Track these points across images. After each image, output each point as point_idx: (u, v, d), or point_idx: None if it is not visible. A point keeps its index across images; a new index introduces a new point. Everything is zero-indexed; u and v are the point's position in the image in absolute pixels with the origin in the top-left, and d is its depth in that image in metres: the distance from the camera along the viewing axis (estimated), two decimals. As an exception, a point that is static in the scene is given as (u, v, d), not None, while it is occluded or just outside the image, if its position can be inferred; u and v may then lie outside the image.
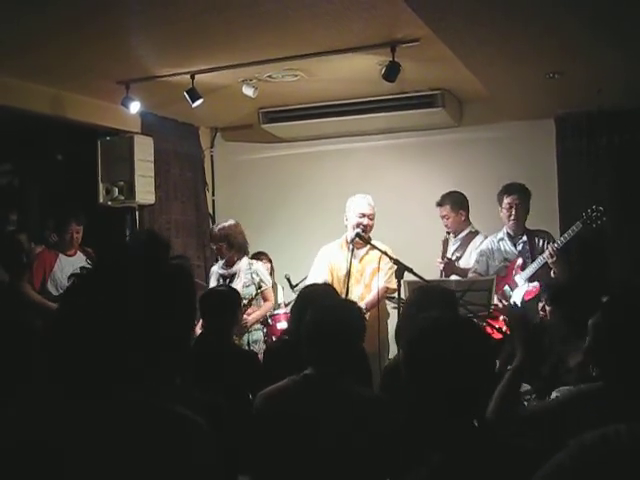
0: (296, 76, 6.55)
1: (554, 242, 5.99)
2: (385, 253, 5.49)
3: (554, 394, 3.86)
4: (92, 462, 1.52)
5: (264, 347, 6.10)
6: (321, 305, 3.43)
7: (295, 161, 8.47)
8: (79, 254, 6.66)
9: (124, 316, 1.59)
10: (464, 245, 6.57)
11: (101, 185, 7.50)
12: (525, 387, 3.75)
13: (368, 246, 5.88)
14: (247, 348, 5.91)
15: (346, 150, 8.24)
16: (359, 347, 3.46)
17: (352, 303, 3.67)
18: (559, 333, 4.39)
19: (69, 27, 5.05)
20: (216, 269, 6.43)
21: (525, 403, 3.81)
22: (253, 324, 6.10)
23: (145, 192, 7.54)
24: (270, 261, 7.68)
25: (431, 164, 7.93)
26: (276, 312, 6.62)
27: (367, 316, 5.51)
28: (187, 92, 6.37)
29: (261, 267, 6.43)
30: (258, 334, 6.21)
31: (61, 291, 6.05)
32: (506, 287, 6.03)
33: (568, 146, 7.30)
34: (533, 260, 6.01)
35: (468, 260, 6.45)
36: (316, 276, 5.99)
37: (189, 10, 4.80)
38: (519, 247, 6.18)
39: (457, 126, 7.85)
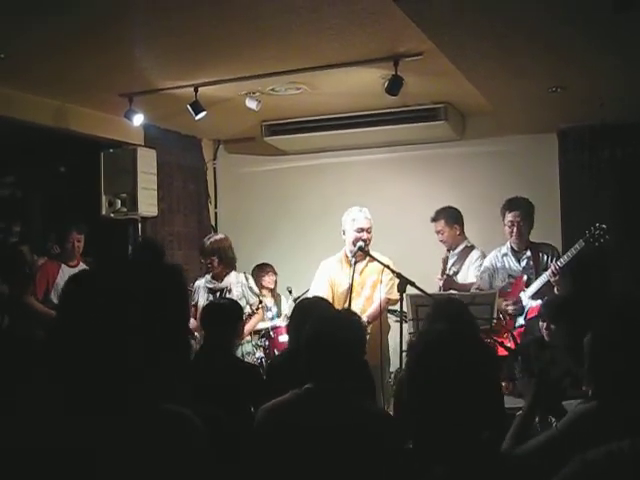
0: (299, 89, 6.57)
1: (558, 257, 5.98)
2: (388, 267, 5.49)
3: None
4: (96, 464, 1.52)
5: (256, 359, 6.12)
6: (319, 317, 3.42)
7: (298, 174, 8.48)
8: (81, 265, 6.68)
9: (123, 317, 1.59)
10: (461, 260, 6.56)
11: (104, 197, 7.51)
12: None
13: (367, 258, 5.87)
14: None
15: (348, 163, 8.25)
16: (360, 359, 3.44)
17: (351, 314, 3.65)
18: (561, 348, 4.40)
19: (72, 40, 5.07)
20: (202, 284, 6.36)
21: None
22: (245, 336, 6.10)
23: (148, 204, 7.55)
24: (275, 273, 7.68)
25: (434, 177, 7.94)
26: (278, 325, 6.61)
27: (369, 329, 5.52)
28: (190, 105, 6.39)
29: (250, 279, 6.43)
30: (249, 346, 6.21)
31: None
32: (509, 307, 6.00)
33: (570, 160, 7.31)
34: (537, 276, 6.00)
35: (466, 275, 6.45)
36: (317, 291, 5.98)
37: (193, 23, 4.81)
38: (523, 263, 6.15)
39: (460, 139, 7.87)
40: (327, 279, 6.07)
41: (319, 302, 4.70)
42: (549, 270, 5.83)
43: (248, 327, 6.14)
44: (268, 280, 7.52)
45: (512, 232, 6.13)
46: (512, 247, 6.22)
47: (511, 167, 7.49)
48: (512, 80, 5.68)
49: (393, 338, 5.77)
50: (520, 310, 5.96)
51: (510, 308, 5.95)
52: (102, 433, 1.57)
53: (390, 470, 2.83)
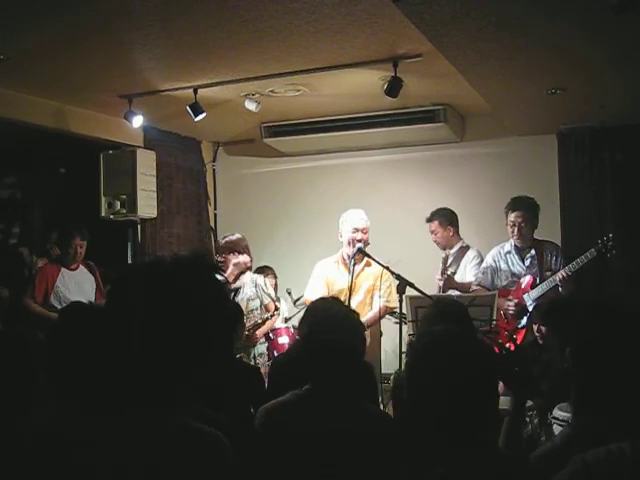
0: (298, 91, 6.57)
1: (562, 257, 5.97)
2: (387, 268, 5.49)
3: (555, 410, 3.86)
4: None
5: (267, 360, 6.11)
6: (319, 318, 3.42)
7: (297, 175, 8.48)
8: (81, 268, 6.68)
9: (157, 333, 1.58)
10: (457, 260, 6.58)
11: (103, 199, 7.51)
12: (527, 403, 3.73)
13: (364, 262, 5.88)
14: (253, 362, 5.91)
15: (348, 164, 8.25)
16: (360, 359, 3.44)
17: (352, 314, 3.64)
18: (556, 351, 4.39)
19: (72, 41, 5.07)
20: None
21: (527, 419, 3.81)
22: (261, 337, 6.11)
23: (147, 206, 7.55)
24: (275, 276, 7.68)
25: (433, 179, 7.94)
26: (277, 326, 6.61)
27: (367, 334, 5.50)
28: (190, 106, 6.39)
29: (264, 280, 6.40)
30: (262, 347, 6.20)
31: (64, 304, 6.06)
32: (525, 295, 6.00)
33: (570, 161, 7.31)
34: (541, 275, 5.99)
35: (463, 274, 6.46)
36: (313, 292, 5.98)
37: (192, 25, 4.82)
38: (527, 262, 6.15)
39: (459, 141, 7.87)
40: (324, 280, 6.08)
41: (332, 302, 4.68)
42: (558, 276, 5.80)
43: (262, 330, 6.14)
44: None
45: (513, 232, 6.14)
46: (516, 245, 6.21)
47: (511, 169, 7.49)
48: (512, 82, 5.68)
49: (392, 339, 5.77)
50: (521, 312, 5.95)
51: (511, 309, 5.94)
52: (131, 450, 1.55)
53: (389, 471, 2.83)
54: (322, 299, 4.96)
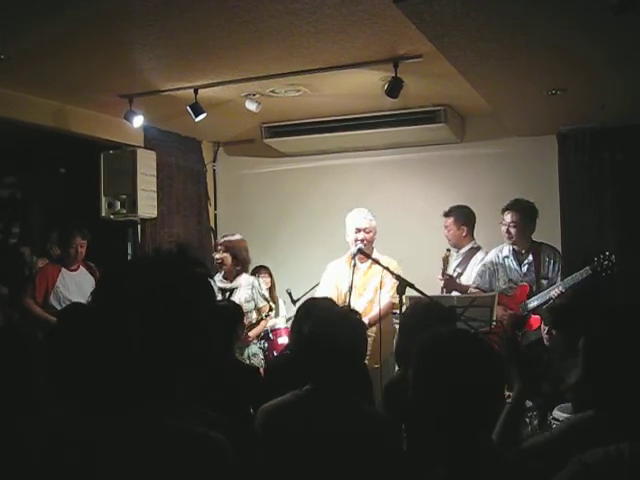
0: (299, 91, 6.57)
1: (560, 262, 5.95)
2: (387, 269, 5.48)
3: (555, 411, 3.86)
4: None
5: (262, 360, 6.10)
6: (320, 318, 3.41)
7: (297, 176, 8.49)
8: (82, 269, 6.68)
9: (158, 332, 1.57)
10: (466, 261, 6.57)
11: (103, 199, 7.51)
12: (527, 404, 3.73)
13: (370, 260, 5.88)
14: (248, 362, 5.90)
15: (348, 165, 8.25)
16: (361, 361, 3.44)
17: (353, 314, 3.64)
18: (558, 350, 4.40)
19: (72, 41, 5.07)
20: (216, 281, 6.39)
21: (527, 420, 3.81)
22: (254, 338, 6.11)
23: (147, 206, 7.55)
24: (270, 275, 7.67)
25: (433, 179, 7.94)
26: (277, 327, 6.61)
27: (372, 332, 5.50)
28: (190, 106, 6.39)
29: (261, 283, 6.41)
30: (255, 347, 6.19)
31: (64, 305, 6.06)
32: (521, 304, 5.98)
33: (570, 162, 7.30)
34: (537, 281, 5.96)
35: (469, 276, 6.44)
36: (323, 292, 6.00)
37: (193, 25, 4.81)
38: (524, 268, 6.11)
39: (459, 142, 7.87)
40: (332, 281, 6.09)
41: (323, 302, 4.69)
42: (553, 291, 5.77)
43: (255, 332, 6.13)
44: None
45: (507, 234, 6.10)
46: (514, 249, 6.19)
47: (511, 169, 7.49)
48: (512, 82, 5.68)
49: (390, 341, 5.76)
50: (518, 320, 5.92)
51: (505, 321, 5.89)
52: (130, 451, 1.54)
53: (389, 471, 2.83)
54: (313, 299, 4.98)
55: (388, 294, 5.79)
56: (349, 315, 3.38)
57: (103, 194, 7.52)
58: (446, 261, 6.35)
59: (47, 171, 8.48)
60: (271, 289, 7.57)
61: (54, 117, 6.73)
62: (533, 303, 5.90)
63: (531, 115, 6.83)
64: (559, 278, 5.93)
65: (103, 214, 7.52)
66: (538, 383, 3.33)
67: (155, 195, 7.68)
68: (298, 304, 6.77)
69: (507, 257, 6.20)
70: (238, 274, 6.27)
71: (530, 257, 6.10)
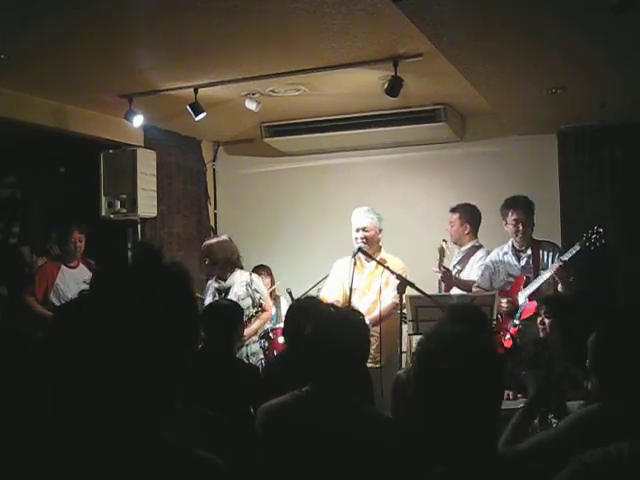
0: (299, 90, 6.56)
1: (560, 255, 5.97)
2: (387, 267, 5.48)
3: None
4: None
5: (262, 359, 6.09)
6: (321, 318, 3.41)
7: (297, 175, 8.48)
8: (81, 266, 6.68)
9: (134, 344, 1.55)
10: (466, 258, 6.58)
11: (103, 198, 7.51)
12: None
13: (378, 260, 5.85)
14: (246, 361, 5.89)
15: (348, 164, 8.25)
16: (362, 361, 3.43)
17: (355, 314, 3.63)
18: (559, 346, 4.39)
19: (72, 41, 5.07)
20: (211, 283, 6.38)
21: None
22: (251, 336, 6.07)
23: (147, 205, 7.55)
24: (270, 275, 7.66)
25: (433, 178, 7.94)
26: (277, 326, 6.60)
27: (376, 331, 5.48)
28: (190, 106, 6.39)
29: (255, 278, 6.38)
30: (256, 346, 6.18)
31: (63, 302, 6.06)
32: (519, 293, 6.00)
33: (570, 160, 7.31)
34: (535, 275, 5.98)
35: (469, 273, 6.45)
36: (329, 291, 6.00)
37: (192, 24, 4.82)
38: (523, 262, 6.13)
39: (459, 141, 7.87)
40: (339, 278, 6.07)
41: (314, 302, 4.69)
42: (553, 266, 5.80)
43: (251, 329, 6.09)
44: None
45: (517, 231, 6.08)
46: (514, 246, 6.19)
47: (511, 168, 7.49)
48: (512, 81, 5.68)
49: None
50: (513, 309, 5.93)
51: (504, 305, 5.91)
52: (125, 476, 1.53)
53: (389, 472, 2.83)
54: (309, 298, 4.98)
55: (391, 294, 5.75)
56: (350, 315, 3.38)
57: (103, 194, 7.52)
58: (442, 252, 6.30)
59: (47, 171, 8.47)
60: (271, 288, 7.56)
61: (54, 117, 6.73)
62: (530, 288, 5.92)
63: (531, 114, 6.84)
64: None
65: (103, 214, 7.52)
66: (554, 391, 3.32)
67: (155, 194, 7.68)
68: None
69: (506, 253, 6.22)
70: (231, 272, 6.25)
71: (529, 251, 6.13)
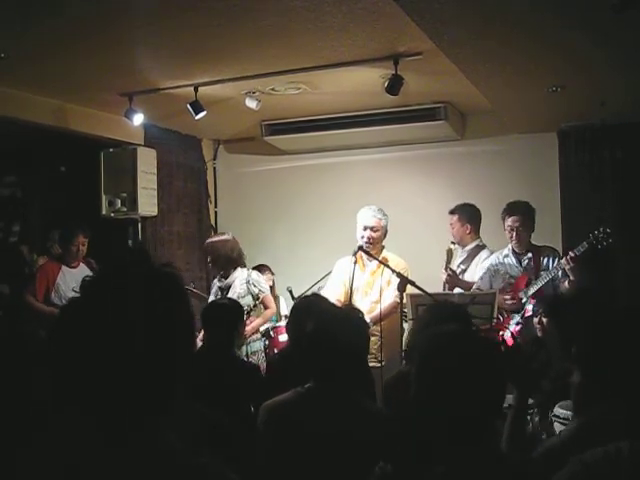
0: (299, 89, 6.56)
1: (560, 259, 5.98)
2: (387, 266, 5.48)
3: (556, 408, 3.85)
4: None
5: (263, 358, 6.09)
6: (322, 316, 3.41)
7: (298, 173, 8.48)
8: (82, 266, 6.68)
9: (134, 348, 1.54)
10: (470, 258, 6.58)
11: (104, 197, 7.51)
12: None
13: (380, 258, 5.85)
14: (246, 359, 5.89)
15: (348, 162, 8.25)
16: (363, 358, 3.44)
17: (354, 312, 3.63)
18: (557, 346, 4.38)
19: (72, 39, 5.07)
20: (216, 282, 6.40)
21: (527, 418, 3.80)
22: (252, 334, 6.07)
23: (148, 204, 7.55)
24: (272, 273, 7.66)
25: (434, 177, 7.93)
26: (278, 324, 6.60)
27: (377, 330, 5.49)
28: (190, 104, 6.39)
29: (256, 276, 6.37)
30: (257, 345, 6.17)
31: (64, 302, 6.06)
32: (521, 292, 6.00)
33: (571, 159, 7.30)
34: (537, 276, 5.99)
35: (473, 273, 6.44)
36: (331, 289, 6.00)
37: (193, 23, 4.81)
38: (524, 263, 6.15)
39: (460, 139, 7.87)
40: (340, 277, 6.07)
41: (318, 300, 4.69)
42: (563, 259, 5.81)
43: (252, 326, 6.07)
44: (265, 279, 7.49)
45: (512, 237, 6.12)
46: (513, 249, 6.21)
47: (511, 166, 7.48)
48: (512, 79, 5.67)
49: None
50: (518, 306, 5.94)
51: (508, 302, 5.92)
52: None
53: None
54: (306, 298, 4.98)
55: (392, 293, 5.75)
56: (351, 313, 3.38)
57: (103, 192, 7.52)
58: (450, 254, 6.35)
59: (47, 170, 8.48)
60: (272, 288, 7.56)
61: (54, 116, 6.73)
62: (533, 287, 5.94)
63: (531, 112, 6.83)
64: (560, 272, 5.95)
65: (103, 212, 7.52)
66: (538, 381, 3.31)
67: (155, 193, 7.68)
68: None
69: (507, 256, 6.23)
70: (233, 271, 6.25)
71: (529, 254, 6.14)
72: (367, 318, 5.47)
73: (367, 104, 7.18)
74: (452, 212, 6.69)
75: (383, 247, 6.03)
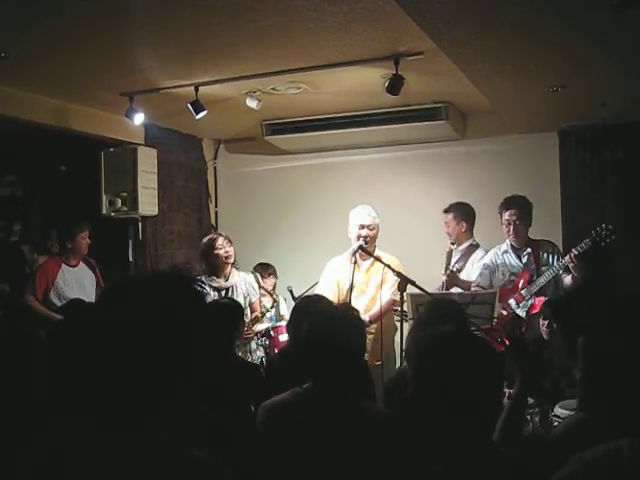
0: (299, 88, 6.56)
1: (559, 254, 5.99)
2: (388, 266, 5.49)
3: (557, 408, 3.86)
4: None
5: (261, 356, 6.10)
6: (318, 316, 3.41)
7: (298, 173, 8.48)
8: (82, 264, 6.68)
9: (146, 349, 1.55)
10: (465, 257, 6.59)
11: (104, 196, 7.50)
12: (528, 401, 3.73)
13: (372, 257, 5.88)
14: (250, 358, 5.91)
15: (349, 162, 8.25)
16: (360, 357, 3.44)
17: (351, 311, 3.64)
18: (560, 347, 4.39)
19: (73, 39, 5.06)
20: (208, 282, 6.32)
21: (528, 417, 3.81)
22: (253, 336, 6.11)
23: (148, 203, 7.54)
24: (276, 277, 7.66)
25: (434, 177, 7.93)
26: (278, 324, 6.61)
27: (373, 328, 5.51)
28: (191, 104, 6.39)
29: (251, 279, 6.40)
30: (253, 344, 6.19)
31: (64, 301, 6.07)
32: (511, 300, 6.01)
33: (571, 159, 7.30)
34: (538, 272, 6.00)
35: (469, 272, 6.46)
36: (323, 289, 6.00)
37: (193, 22, 4.81)
38: (524, 259, 6.17)
39: (460, 139, 7.87)
40: (333, 277, 6.08)
41: (318, 300, 4.70)
42: (567, 257, 5.81)
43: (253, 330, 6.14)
44: (268, 282, 7.50)
45: (509, 230, 6.17)
46: (512, 244, 6.23)
47: (512, 166, 7.48)
48: (513, 79, 5.67)
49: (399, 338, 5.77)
50: (516, 321, 5.95)
51: (504, 314, 5.94)
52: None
53: (390, 469, 2.83)
54: (308, 297, 4.99)
55: (389, 291, 5.80)
56: (348, 313, 3.39)
57: (104, 192, 7.51)
58: (450, 255, 6.36)
59: (48, 169, 8.48)
60: (273, 289, 7.57)
61: (55, 115, 6.73)
62: (536, 285, 5.97)
63: (532, 112, 6.83)
64: (561, 270, 5.96)
65: (104, 212, 7.51)
66: (539, 380, 3.32)
67: (156, 193, 7.67)
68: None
69: (506, 252, 6.26)
70: (230, 272, 6.26)
71: (528, 249, 6.16)
72: (366, 317, 5.52)
73: (368, 104, 7.18)
74: (447, 211, 6.73)
75: (375, 246, 6.06)
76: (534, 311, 5.87)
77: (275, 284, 7.60)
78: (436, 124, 7.30)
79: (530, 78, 5.64)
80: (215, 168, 8.98)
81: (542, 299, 5.82)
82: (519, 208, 6.12)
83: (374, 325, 5.60)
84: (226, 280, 6.22)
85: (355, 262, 5.77)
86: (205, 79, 6.17)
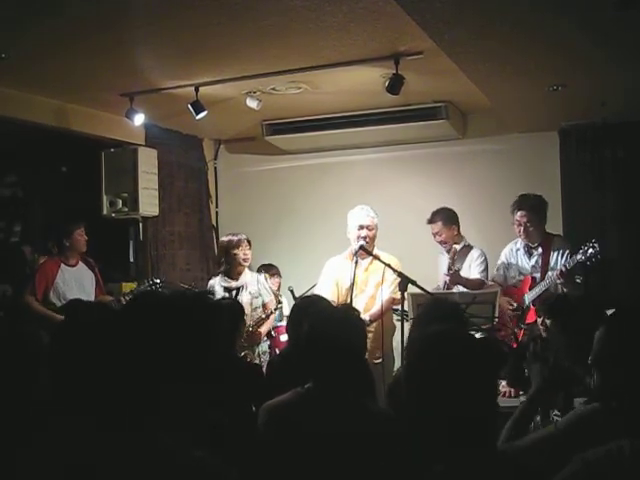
0: (300, 88, 6.56)
1: (569, 254, 5.95)
2: (389, 265, 5.49)
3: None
4: None
5: (269, 358, 6.11)
6: (319, 317, 3.41)
7: (298, 173, 8.48)
8: (81, 264, 6.66)
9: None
10: (461, 258, 6.53)
11: (105, 197, 7.51)
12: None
13: (371, 257, 5.87)
14: (258, 360, 5.91)
15: (349, 162, 8.25)
16: (361, 357, 3.43)
17: (351, 311, 3.63)
18: (559, 345, 4.38)
19: (73, 39, 5.07)
20: (217, 282, 6.35)
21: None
22: (264, 336, 6.12)
23: (149, 204, 7.55)
24: (280, 277, 7.66)
25: (435, 176, 7.93)
26: (279, 324, 6.61)
27: (373, 327, 5.52)
28: (191, 104, 6.39)
29: (263, 279, 6.41)
30: (265, 346, 6.20)
31: (64, 301, 6.07)
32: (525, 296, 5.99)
33: (572, 158, 7.30)
34: (544, 275, 5.96)
35: (467, 273, 6.41)
36: (322, 289, 6.00)
37: (193, 23, 4.81)
38: (532, 261, 6.13)
39: (461, 138, 7.86)
40: (332, 277, 6.09)
41: (317, 300, 4.70)
42: (554, 274, 5.78)
43: (265, 328, 6.15)
44: (272, 282, 7.50)
45: (520, 231, 6.11)
46: (526, 243, 6.19)
47: (512, 166, 7.48)
48: (513, 78, 5.67)
49: (398, 337, 5.77)
50: (520, 313, 5.93)
51: (510, 309, 5.92)
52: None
53: (391, 469, 2.83)
54: (307, 298, 4.99)
55: (389, 289, 5.81)
56: (348, 312, 3.38)
57: (104, 192, 7.52)
58: (454, 255, 6.27)
59: (48, 170, 8.47)
60: (278, 289, 7.57)
61: (55, 116, 6.73)
62: (534, 292, 5.94)
63: (532, 111, 6.83)
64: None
65: (104, 212, 7.52)
66: (559, 389, 3.31)
67: (156, 193, 7.68)
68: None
69: (519, 250, 6.23)
70: (241, 272, 6.27)
71: (540, 249, 6.12)
72: (366, 316, 5.52)
73: (368, 104, 7.18)
74: (432, 221, 6.52)
75: (374, 245, 6.06)
76: (530, 320, 5.80)
77: (280, 284, 7.61)
78: (436, 123, 7.29)
79: (530, 78, 5.65)
80: (215, 168, 8.98)
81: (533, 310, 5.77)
82: (529, 209, 6.03)
83: (374, 324, 5.61)
84: (237, 280, 6.23)
85: (356, 262, 5.77)
86: (205, 79, 6.17)
